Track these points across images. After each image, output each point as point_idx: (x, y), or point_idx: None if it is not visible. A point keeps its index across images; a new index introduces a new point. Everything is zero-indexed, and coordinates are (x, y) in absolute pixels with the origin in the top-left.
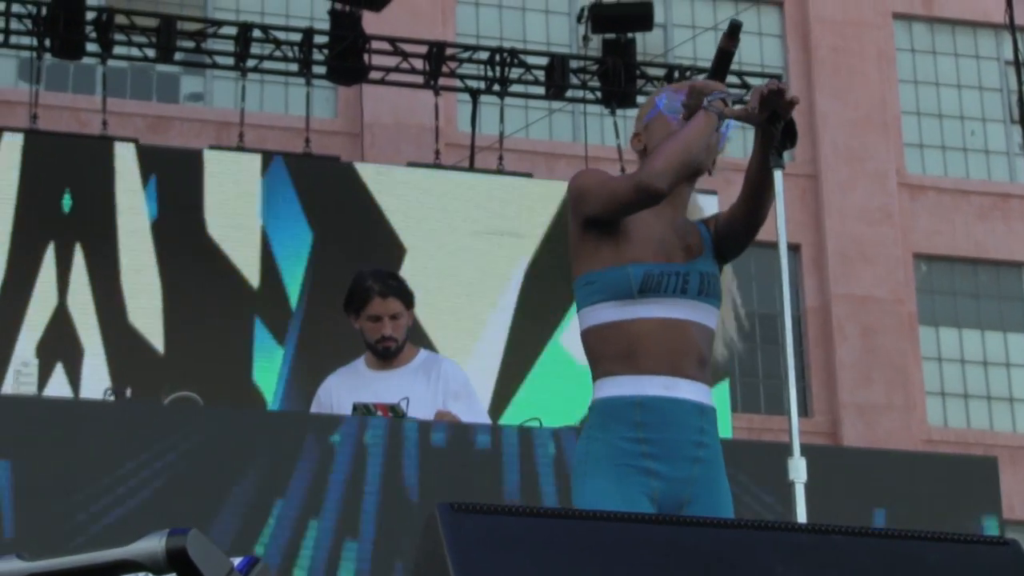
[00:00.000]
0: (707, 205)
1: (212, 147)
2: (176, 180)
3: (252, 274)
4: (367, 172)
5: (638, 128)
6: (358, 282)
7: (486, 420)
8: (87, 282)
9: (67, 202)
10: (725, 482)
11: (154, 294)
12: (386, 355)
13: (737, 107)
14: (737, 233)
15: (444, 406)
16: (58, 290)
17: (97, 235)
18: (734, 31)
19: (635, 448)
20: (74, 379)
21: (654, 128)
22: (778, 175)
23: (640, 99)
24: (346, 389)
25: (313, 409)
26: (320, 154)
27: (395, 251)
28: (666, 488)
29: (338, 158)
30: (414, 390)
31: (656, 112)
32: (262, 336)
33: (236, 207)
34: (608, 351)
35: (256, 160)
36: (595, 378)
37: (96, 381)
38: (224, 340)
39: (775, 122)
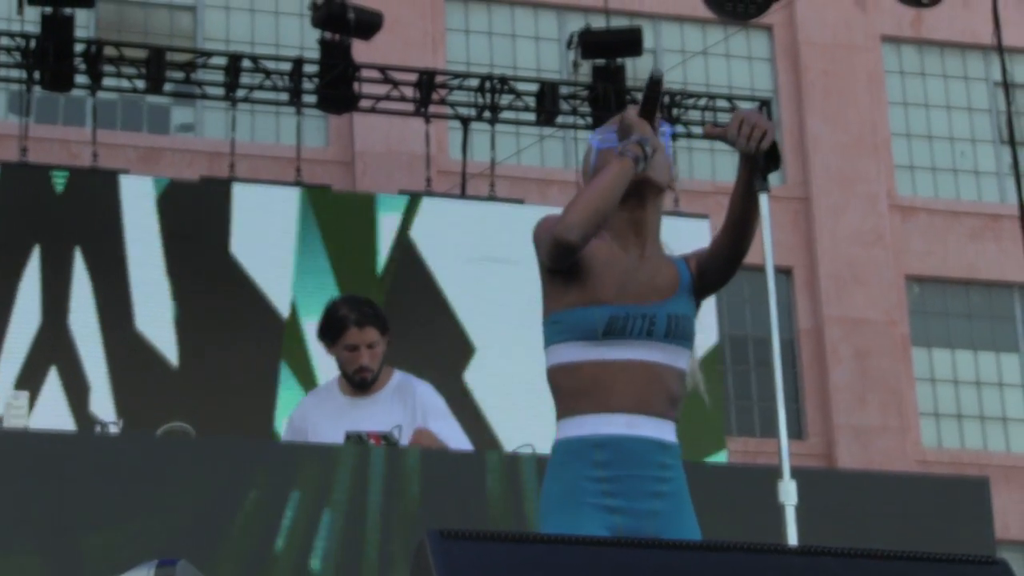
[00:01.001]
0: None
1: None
2: None
3: None
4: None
5: (587, 179)
6: (332, 311)
7: (466, 442)
8: None
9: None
10: (692, 516)
11: None
12: (363, 385)
13: (718, 128)
14: (721, 263)
15: (424, 423)
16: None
17: None
18: (655, 84)
19: (595, 487)
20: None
21: (600, 165)
22: (763, 198)
23: None
24: (322, 414)
25: (286, 434)
26: (311, 183)
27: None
28: (629, 523)
29: (330, 187)
30: (392, 416)
31: (596, 152)
32: None
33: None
34: (571, 389)
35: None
36: (558, 417)
37: None
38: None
39: None
